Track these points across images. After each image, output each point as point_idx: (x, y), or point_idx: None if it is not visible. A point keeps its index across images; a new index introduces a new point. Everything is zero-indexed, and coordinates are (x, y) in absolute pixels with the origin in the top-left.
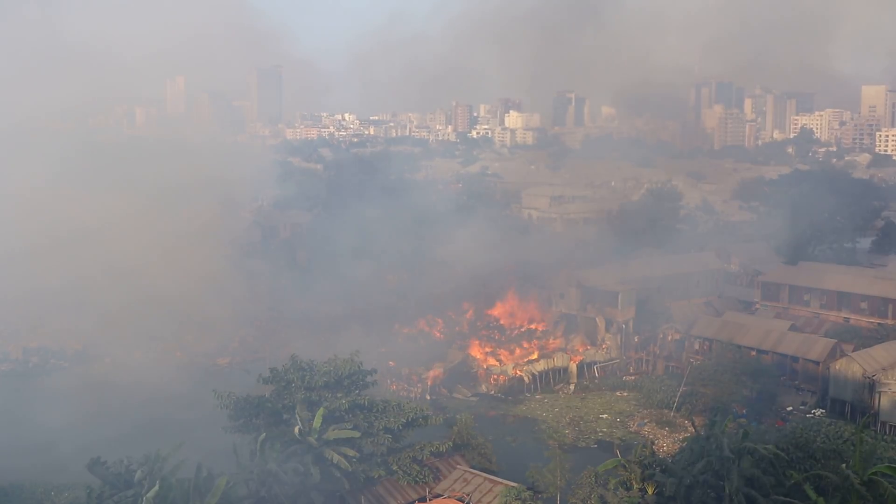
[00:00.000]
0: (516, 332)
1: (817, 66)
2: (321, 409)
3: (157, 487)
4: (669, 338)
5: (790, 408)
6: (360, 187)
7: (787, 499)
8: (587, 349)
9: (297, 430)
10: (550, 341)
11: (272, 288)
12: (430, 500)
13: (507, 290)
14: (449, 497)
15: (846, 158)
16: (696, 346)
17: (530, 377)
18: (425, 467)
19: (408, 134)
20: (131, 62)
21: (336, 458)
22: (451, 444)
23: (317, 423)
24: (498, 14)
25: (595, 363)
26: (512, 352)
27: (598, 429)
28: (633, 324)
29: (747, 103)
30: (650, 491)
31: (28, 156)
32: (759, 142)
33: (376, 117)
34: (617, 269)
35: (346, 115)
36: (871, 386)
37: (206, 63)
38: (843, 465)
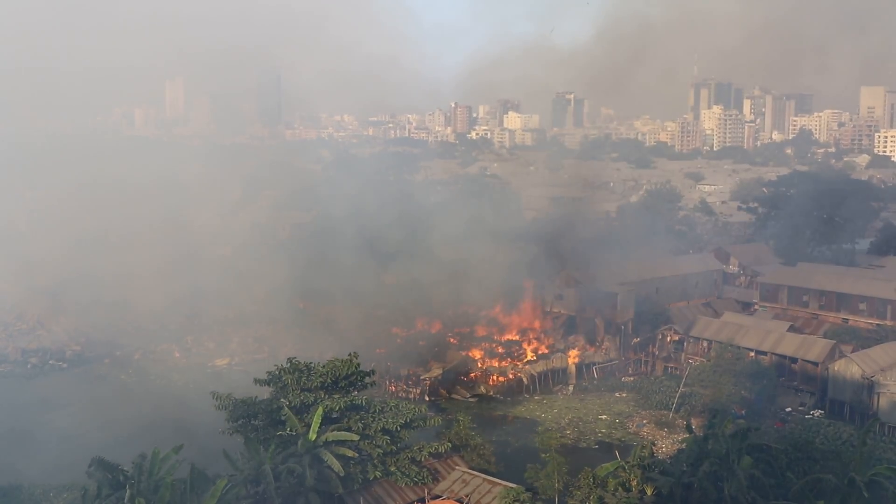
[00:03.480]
0: (515, 333)
1: (816, 67)
2: (319, 409)
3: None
4: (668, 339)
5: (789, 409)
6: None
7: (787, 503)
8: (586, 350)
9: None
10: (549, 342)
11: (271, 289)
12: (428, 501)
13: (506, 290)
14: (448, 498)
15: (845, 159)
16: (695, 348)
17: (529, 378)
18: (424, 468)
19: (407, 135)
20: (131, 63)
21: (331, 459)
22: (449, 445)
23: (315, 424)
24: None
25: (594, 364)
26: (511, 353)
27: (597, 430)
28: (632, 325)
29: (746, 104)
30: (649, 492)
31: (27, 155)
32: (758, 143)
33: (375, 118)
34: (616, 271)
35: (345, 116)
36: (869, 387)
37: (206, 64)
38: (842, 467)
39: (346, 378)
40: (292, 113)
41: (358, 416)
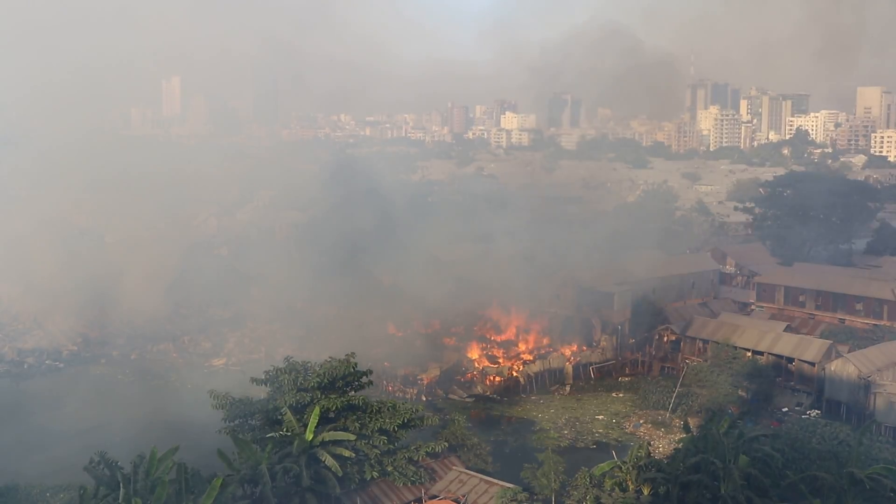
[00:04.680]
0: (512, 333)
1: (813, 68)
2: (316, 409)
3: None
4: (665, 339)
5: (786, 409)
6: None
7: (784, 502)
8: (583, 350)
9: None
10: (546, 342)
11: (267, 289)
12: (425, 501)
13: (503, 291)
14: (444, 498)
15: (841, 160)
16: (692, 347)
17: (526, 378)
18: (421, 468)
19: (404, 135)
20: (127, 62)
21: (328, 459)
22: (446, 444)
23: (312, 424)
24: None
25: (591, 364)
26: (507, 353)
27: (593, 430)
28: (629, 325)
29: (743, 104)
30: (646, 492)
31: (24, 156)
32: (755, 143)
33: (372, 118)
34: (612, 271)
35: (342, 116)
36: (866, 387)
37: (202, 63)
38: (839, 466)
39: (343, 378)
40: (289, 113)
41: (355, 416)
